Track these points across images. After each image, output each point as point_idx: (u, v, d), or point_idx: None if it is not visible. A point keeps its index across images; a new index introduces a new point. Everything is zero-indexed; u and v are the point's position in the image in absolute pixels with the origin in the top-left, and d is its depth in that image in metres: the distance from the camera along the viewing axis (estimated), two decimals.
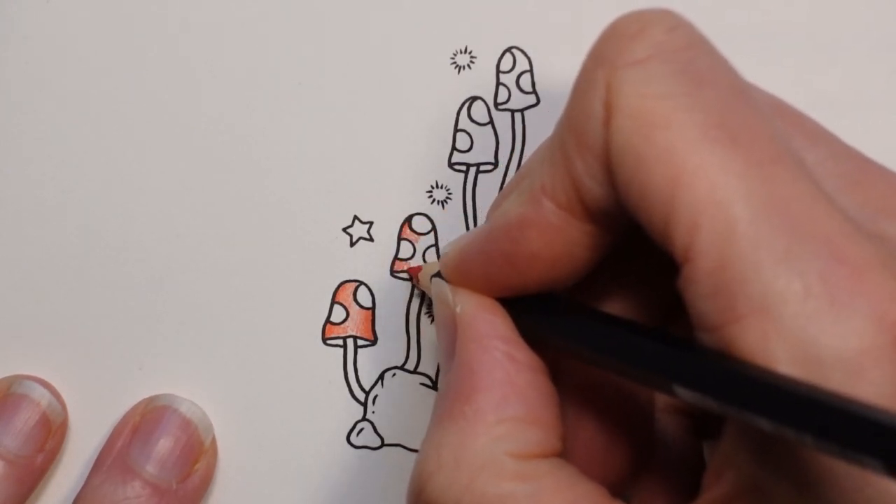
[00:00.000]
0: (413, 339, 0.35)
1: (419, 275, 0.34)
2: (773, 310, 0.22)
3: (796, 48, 0.35)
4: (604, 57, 0.25)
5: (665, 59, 0.24)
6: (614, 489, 0.26)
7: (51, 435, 0.34)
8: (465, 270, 0.29)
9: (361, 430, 0.35)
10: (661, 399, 0.31)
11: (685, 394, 0.23)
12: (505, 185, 0.31)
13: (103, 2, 0.35)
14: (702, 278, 0.23)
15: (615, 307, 0.29)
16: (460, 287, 0.29)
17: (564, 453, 0.27)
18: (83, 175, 0.35)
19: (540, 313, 0.28)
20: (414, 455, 0.35)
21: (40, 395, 0.34)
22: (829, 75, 0.35)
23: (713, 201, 0.22)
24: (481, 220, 0.35)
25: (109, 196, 0.35)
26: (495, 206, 0.31)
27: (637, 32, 0.24)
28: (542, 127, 0.35)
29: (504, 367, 0.27)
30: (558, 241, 0.26)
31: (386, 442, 0.35)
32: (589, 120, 0.24)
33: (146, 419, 0.34)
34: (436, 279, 0.30)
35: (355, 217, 0.35)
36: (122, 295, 0.35)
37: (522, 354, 0.27)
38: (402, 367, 0.35)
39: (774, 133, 0.24)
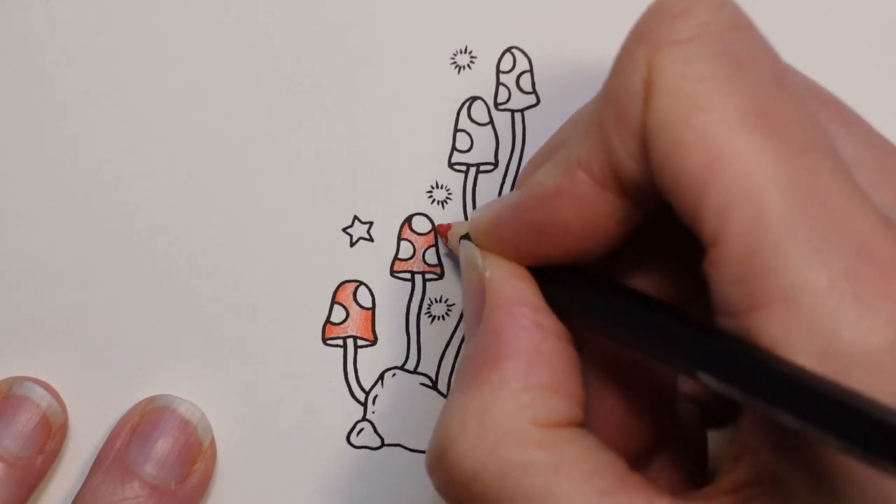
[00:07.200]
0: (413, 339, 0.35)
1: (448, 234, 0.34)
2: (796, 301, 0.22)
3: (796, 48, 0.35)
4: (647, 35, 0.24)
5: (708, 41, 0.24)
6: (629, 464, 0.26)
7: (51, 436, 0.34)
8: (496, 236, 0.29)
9: (361, 430, 0.35)
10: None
11: (709, 381, 0.23)
12: (536, 153, 0.31)
13: (103, 2, 0.35)
14: (729, 263, 0.23)
15: (641, 283, 0.29)
16: (489, 252, 0.29)
17: (587, 423, 0.27)
18: (83, 175, 0.35)
19: (567, 285, 0.28)
20: (414, 455, 0.35)
21: (40, 397, 0.34)
22: (828, 75, 0.35)
23: (747, 188, 0.22)
24: None
25: (110, 196, 0.35)
26: (526, 175, 0.31)
27: (682, 12, 0.24)
28: (542, 127, 0.35)
29: (531, 334, 0.27)
30: (590, 214, 0.26)
31: (386, 442, 0.35)
32: (629, 96, 0.24)
33: (145, 420, 0.34)
34: (465, 242, 0.30)
35: (355, 217, 0.35)
36: (122, 295, 0.35)
37: (550, 322, 0.27)
38: (402, 367, 0.35)
39: (812, 122, 0.24)
